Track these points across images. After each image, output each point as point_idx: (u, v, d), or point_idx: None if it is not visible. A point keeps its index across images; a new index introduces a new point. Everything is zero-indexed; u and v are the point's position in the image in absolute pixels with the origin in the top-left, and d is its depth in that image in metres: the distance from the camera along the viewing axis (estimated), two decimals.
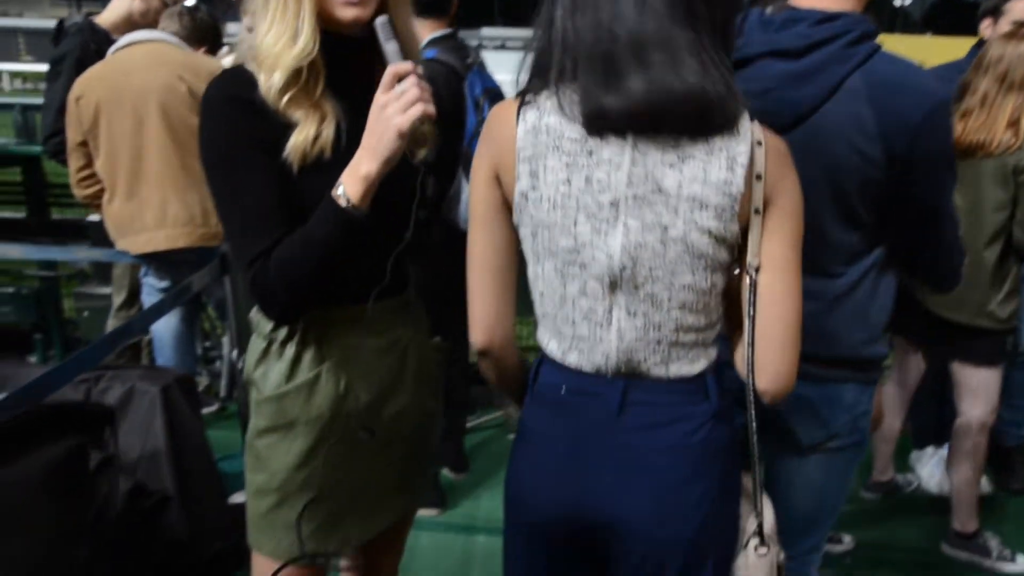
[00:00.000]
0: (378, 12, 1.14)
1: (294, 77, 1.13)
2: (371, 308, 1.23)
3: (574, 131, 1.02)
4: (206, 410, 3.11)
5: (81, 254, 2.99)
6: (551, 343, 1.14)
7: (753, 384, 1.09)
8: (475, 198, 1.13)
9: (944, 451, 2.74)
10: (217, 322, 3.68)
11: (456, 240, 2.44)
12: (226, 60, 3.07)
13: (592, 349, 1.09)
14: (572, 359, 1.11)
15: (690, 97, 0.96)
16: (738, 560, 1.15)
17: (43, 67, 3.40)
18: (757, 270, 1.05)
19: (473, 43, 3.81)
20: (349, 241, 1.11)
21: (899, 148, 1.20)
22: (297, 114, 1.14)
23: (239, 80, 1.16)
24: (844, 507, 1.52)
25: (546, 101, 1.04)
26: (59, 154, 2.84)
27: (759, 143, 1.01)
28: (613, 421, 1.10)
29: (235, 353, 2.64)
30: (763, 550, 1.12)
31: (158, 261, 2.70)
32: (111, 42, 2.75)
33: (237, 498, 2.39)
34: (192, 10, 2.94)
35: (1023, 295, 2.36)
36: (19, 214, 4.41)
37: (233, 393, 3.42)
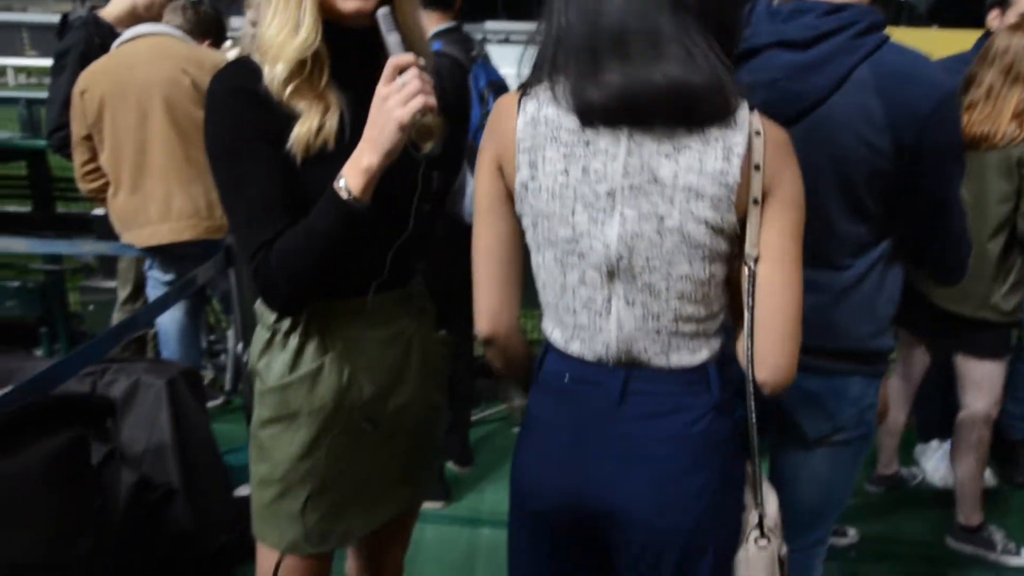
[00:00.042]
0: (382, 3, 1.14)
1: (297, 68, 1.13)
2: (371, 300, 1.24)
3: (571, 122, 1.03)
4: (211, 403, 3.12)
5: (86, 247, 3.00)
6: (555, 332, 1.15)
7: (753, 376, 1.09)
8: (479, 189, 1.14)
9: (949, 445, 2.73)
10: (222, 315, 3.68)
11: (460, 233, 2.44)
12: (230, 54, 3.07)
13: (593, 338, 1.10)
14: (574, 348, 1.13)
15: (671, 89, 0.97)
16: (739, 552, 1.15)
17: (48, 62, 3.40)
18: (756, 261, 1.05)
19: (477, 37, 3.80)
20: (350, 233, 1.12)
21: (907, 139, 1.19)
22: (301, 105, 1.14)
23: (244, 71, 1.16)
24: (849, 500, 1.52)
25: (544, 93, 1.05)
26: (64, 148, 2.84)
27: (757, 133, 1.00)
28: (614, 410, 1.11)
29: (240, 346, 2.65)
30: (763, 542, 1.12)
31: (163, 254, 2.71)
32: (115, 36, 2.75)
33: (242, 491, 2.40)
34: (196, 4, 2.94)
35: None
36: (24, 208, 4.43)
37: (238, 386, 3.43)
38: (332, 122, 1.15)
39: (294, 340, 1.25)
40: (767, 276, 1.05)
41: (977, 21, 3.22)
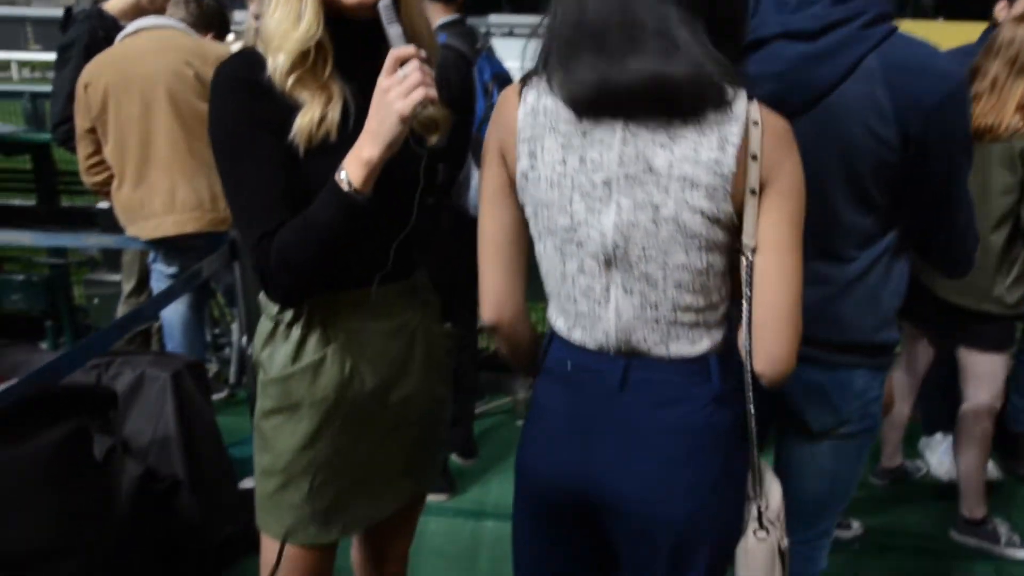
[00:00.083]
0: None
1: (300, 59, 1.13)
2: (375, 292, 1.24)
3: (568, 113, 1.04)
4: (216, 396, 3.12)
5: (90, 240, 3.00)
6: (558, 320, 1.17)
7: (751, 367, 1.09)
8: (485, 177, 1.16)
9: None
10: (226, 309, 3.69)
11: (465, 226, 2.45)
12: (233, 47, 3.07)
13: (593, 326, 1.11)
14: (576, 336, 1.14)
15: (646, 82, 0.97)
16: (740, 544, 1.15)
17: (51, 56, 3.40)
18: (754, 251, 1.04)
19: (481, 30, 3.79)
20: (351, 225, 1.12)
21: (914, 130, 1.19)
22: (303, 96, 1.14)
23: (248, 62, 1.16)
24: (853, 493, 1.52)
25: (543, 84, 1.07)
26: (68, 141, 2.85)
27: (755, 123, 1.00)
28: (615, 398, 1.11)
29: (244, 339, 2.65)
30: (762, 534, 1.12)
31: (167, 246, 2.71)
32: (119, 29, 2.76)
33: (247, 483, 2.41)
34: None
35: None
36: (29, 202, 4.43)
37: (243, 379, 3.43)
38: (334, 113, 1.15)
39: (296, 331, 1.25)
40: (765, 267, 1.04)
41: (983, 14, 3.21)
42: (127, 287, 3.39)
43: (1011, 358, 2.48)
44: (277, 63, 1.13)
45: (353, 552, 1.57)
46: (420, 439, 1.39)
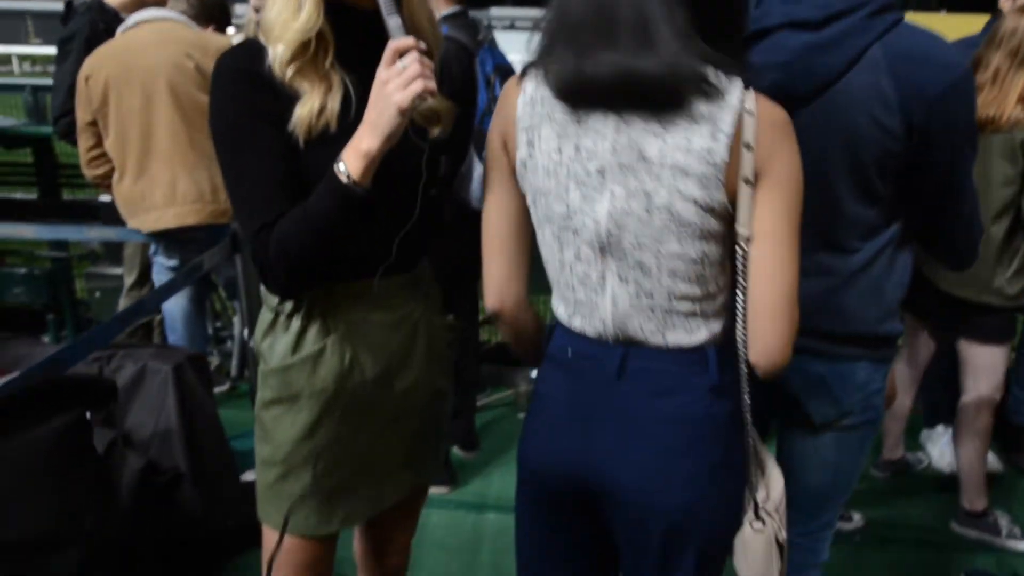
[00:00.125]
0: None
1: (301, 49, 1.13)
2: (377, 284, 1.24)
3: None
4: (217, 389, 3.13)
5: (92, 233, 3.00)
6: (559, 308, 1.18)
7: (746, 358, 1.09)
8: (488, 167, 1.18)
9: None
10: (227, 302, 3.69)
11: (467, 218, 2.44)
12: (234, 40, 3.06)
13: (591, 314, 1.12)
14: (576, 323, 1.15)
15: (616, 77, 0.99)
16: (738, 535, 1.16)
17: (52, 50, 3.39)
18: (748, 241, 1.04)
19: (483, 23, 3.78)
20: (349, 216, 1.11)
21: (918, 120, 1.18)
22: (303, 86, 1.14)
23: (249, 53, 1.16)
24: (855, 485, 1.52)
25: (540, 74, 1.08)
26: (69, 134, 2.84)
27: (749, 113, 0.99)
28: (613, 386, 1.12)
29: (246, 332, 2.65)
30: (759, 525, 1.13)
31: (167, 239, 2.71)
32: (120, 21, 2.75)
33: (249, 476, 2.41)
34: None
35: None
36: (31, 195, 4.43)
37: (244, 372, 3.44)
38: (334, 103, 1.15)
39: (297, 322, 1.25)
40: (760, 257, 1.04)
41: (986, 6, 3.19)
42: (129, 280, 3.39)
43: (1012, 350, 2.48)
44: (277, 53, 1.13)
45: (355, 543, 1.57)
46: (421, 431, 1.39)
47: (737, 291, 1.07)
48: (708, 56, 0.99)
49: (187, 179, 2.61)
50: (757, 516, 1.13)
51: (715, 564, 1.18)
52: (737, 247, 1.05)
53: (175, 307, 2.90)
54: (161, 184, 2.61)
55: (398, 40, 1.07)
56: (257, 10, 2.91)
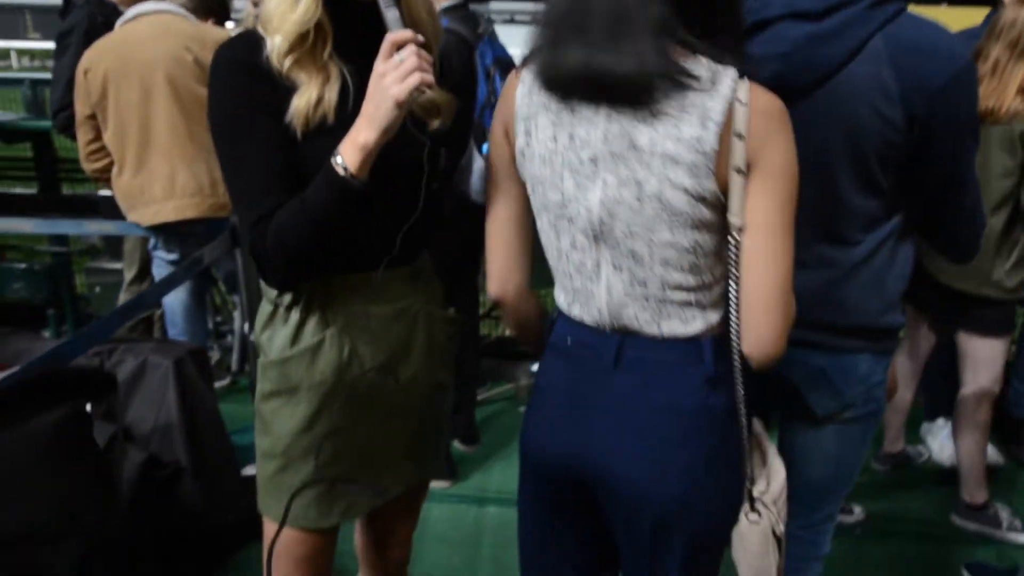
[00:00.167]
0: None
1: (298, 40, 1.12)
2: (378, 276, 1.24)
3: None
4: (218, 384, 3.13)
5: (91, 227, 3.00)
6: (560, 296, 1.19)
7: (739, 349, 1.08)
8: (491, 156, 1.20)
9: None
10: (227, 296, 3.69)
11: (467, 212, 2.44)
12: (233, 34, 3.05)
13: (588, 302, 1.13)
14: (576, 312, 1.16)
15: (578, 71, 1.01)
16: (736, 527, 1.16)
17: (51, 44, 3.38)
18: (740, 231, 1.03)
19: (483, 16, 3.77)
20: (346, 209, 1.11)
21: (920, 111, 1.18)
22: (301, 77, 1.14)
23: (247, 44, 1.16)
24: (856, 477, 1.52)
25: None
26: (68, 128, 2.84)
27: (741, 102, 0.99)
28: (609, 375, 1.13)
29: (246, 326, 2.65)
30: (754, 517, 1.12)
31: (167, 232, 2.71)
32: (118, 14, 2.74)
33: (250, 470, 2.41)
34: None
35: None
36: (30, 190, 4.43)
37: (245, 367, 3.44)
38: (332, 94, 1.15)
39: (295, 314, 1.25)
40: (752, 248, 1.04)
41: None
42: (129, 275, 3.39)
43: (1012, 343, 2.47)
44: (275, 44, 1.13)
45: (356, 536, 1.57)
46: (422, 425, 1.39)
47: (730, 282, 1.07)
48: (696, 47, 0.99)
49: (186, 172, 2.61)
50: (753, 508, 1.13)
51: (710, 556, 1.18)
52: (730, 237, 1.04)
53: (175, 301, 2.90)
54: (160, 177, 2.61)
55: (396, 33, 1.07)
56: (256, 4, 2.90)
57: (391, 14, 1.09)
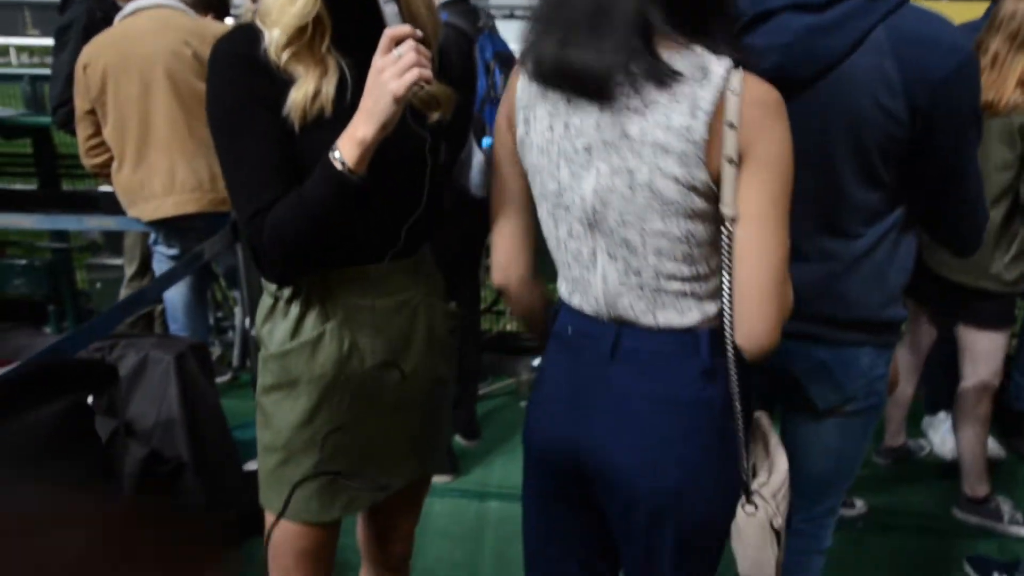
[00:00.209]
0: None
1: (296, 34, 1.12)
2: (380, 268, 1.24)
3: None
4: (219, 379, 3.13)
5: (92, 222, 3.00)
6: (562, 285, 1.20)
7: (732, 341, 1.08)
8: (495, 145, 1.21)
9: None
10: (228, 292, 3.69)
11: (467, 206, 2.44)
12: None
13: (586, 291, 1.14)
14: (575, 301, 1.17)
15: (551, 65, 1.05)
16: (735, 519, 1.15)
17: (50, 41, 3.37)
18: (733, 222, 1.03)
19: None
20: (344, 204, 1.11)
21: (922, 103, 1.17)
22: (298, 70, 1.14)
23: (245, 37, 1.16)
24: (858, 471, 1.52)
25: None
26: (68, 124, 2.84)
27: (733, 92, 0.98)
28: (606, 365, 1.13)
29: (247, 321, 2.65)
30: (750, 509, 1.12)
31: (167, 228, 2.71)
32: (117, 9, 2.74)
33: (252, 465, 2.41)
34: None
35: None
36: (30, 186, 4.42)
37: (246, 362, 3.44)
38: (329, 87, 1.14)
39: (296, 308, 1.25)
40: (745, 238, 1.03)
41: None
42: (129, 271, 3.39)
43: (1012, 336, 2.47)
44: (273, 38, 1.13)
45: (359, 530, 1.57)
46: (423, 419, 1.39)
47: (723, 273, 1.06)
48: (690, 39, 1.00)
49: (186, 167, 2.60)
50: (749, 500, 1.12)
51: (706, 549, 1.18)
52: (723, 228, 1.04)
53: (176, 296, 2.90)
54: (160, 173, 2.60)
55: (394, 28, 1.07)
56: (255, 0, 2.89)
57: (390, 9, 1.09)
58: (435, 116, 1.22)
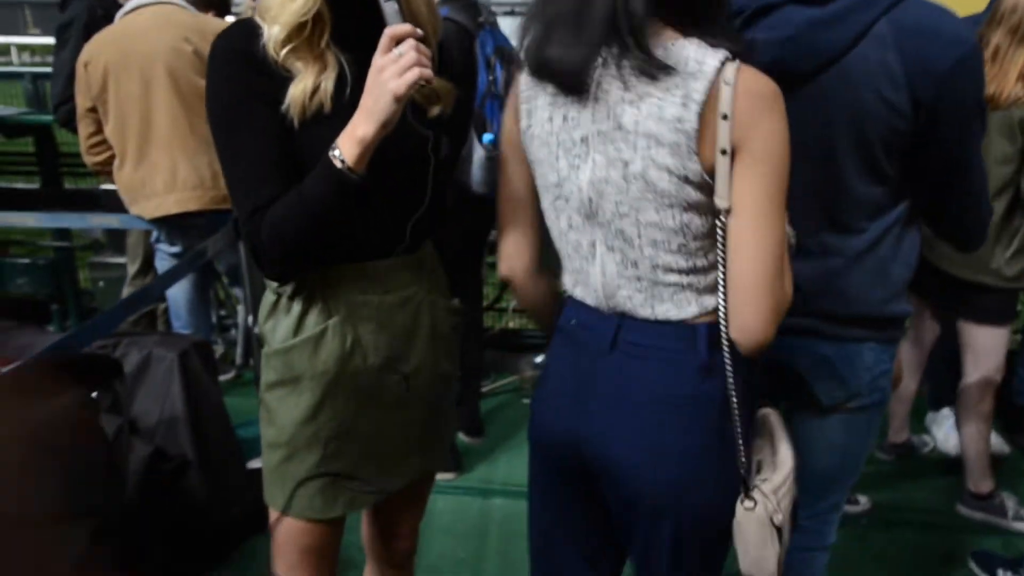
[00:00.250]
0: None
1: (296, 31, 1.12)
2: (383, 265, 1.24)
3: None
4: (222, 377, 3.13)
5: (94, 220, 3.00)
6: (566, 277, 1.21)
7: (727, 335, 1.07)
8: (502, 137, 1.22)
9: None
10: (230, 290, 3.69)
11: (468, 202, 2.44)
12: None
13: (586, 283, 1.15)
14: (579, 293, 1.18)
15: (531, 61, 1.08)
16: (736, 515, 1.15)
17: (51, 40, 3.37)
18: (727, 214, 1.02)
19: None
20: (344, 202, 1.11)
21: (925, 96, 1.17)
22: (297, 66, 1.14)
23: (244, 32, 1.15)
24: (862, 467, 1.51)
25: None
26: (70, 122, 2.83)
27: (726, 83, 0.98)
28: (607, 357, 1.13)
29: (250, 319, 2.65)
30: (749, 504, 1.11)
31: (169, 225, 2.70)
32: (118, 6, 2.73)
33: (255, 463, 2.42)
34: None
35: None
36: (32, 185, 4.42)
37: (249, 360, 3.44)
38: (328, 83, 1.14)
39: (298, 304, 1.25)
40: (738, 231, 1.03)
41: None
42: (132, 269, 3.39)
43: (1015, 332, 2.46)
44: (272, 34, 1.12)
45: (363, 528, 1.57)
46: (426, 416, 1.39)
47: (719, 265, 1.06)
48: (685, 31, 1.00)
49: (187, 165, 2.60)
50: (748, 496, 1.12)
51: (707, 546, 1.17)
52: (717, 220, 1.04)
53: (179, 294, 2.90)
54: (161, 170, 2.60)
55: (395, 27, 1.07)
56: None
57: (390, 7, 1.08)
58: (435, 111, 1.22)
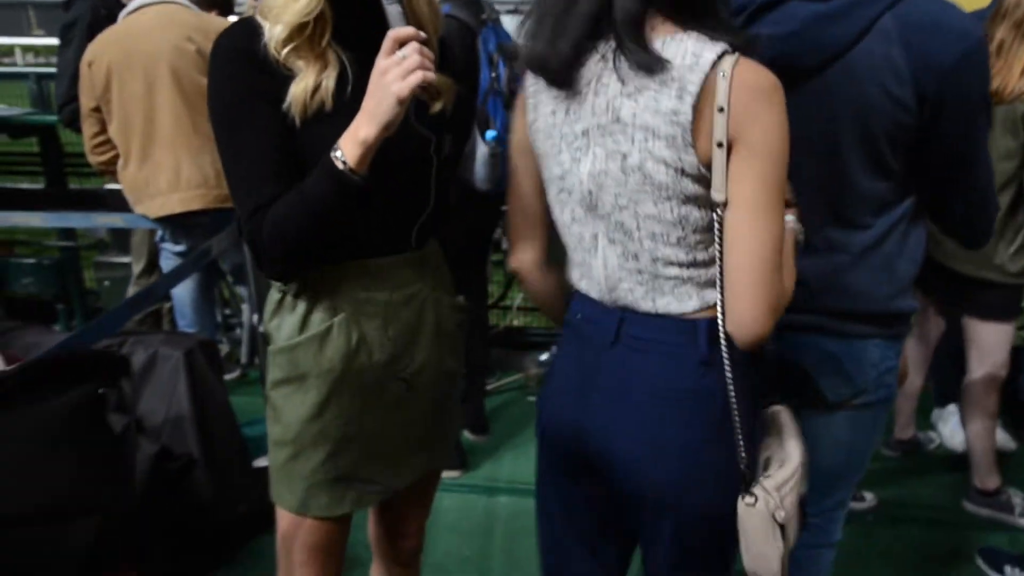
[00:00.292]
0: None
1: (297, 30, 1.12)
2: (387, 262, 1.25)
3: None
4: (228, 376, 3.14)
5: (99, 220, 3.01)
6: (572, 270, 1.21)
7: (724, 330, 1.07)
8: (513, 131, 1.24)
9: None
10: (234, 289, 3.69)
11: (471, 200, 2.44)
12: None
13: (590, 276, 1.16)
14: (583, 286, 1.18)
15: (525, 58, 1.10)
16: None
17: (54, 40, 3.38)
18: (724, 207, 1.02)
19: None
20: (346, 203, 1.11)
21: (930, 91, 1.16)
22: (298, 64, 1.14)
23: (246, 31, 1.16)
24: (868, 463, 1.51)
25: None
26: (74, 122, 2.84)
27: (723, 75, 0.98)
28: (610, 351, 1.14)
29: (255, 317, 2.66)
30: (749, 499, 1.11)
31: (173, 224, 2.71)
32: (121, 6, 2.73)
33: (261, 462, 2.42)
34: None
35: None
36: (37, 185, 4.43)
37: (254, 359, 3.45)
38: (329, 82, 1.14)
39: (303, 302, 1.26)
40: (735, 224, 1.02)
41: None
42: (137, 268, 3.40)
43: (1019, 328, 2.45)
44: (274, 33, 1.13)
45: (370, 526, 1.57)
46: (432, 413, 1.39)
47: (717, 259, 1.06)
48: (684, 25, 1.01)
49: (191, 164, 2.60)
50: (749, 491, 1.11)
51: (710, 541, 1.17)
52: (714, 213, 1.03)
53: (184, 293, 2.91)
54: (165, 169, 2.60)
55: (398, 29, 1.07)
56: None
57: (393, 9, 1.08)
58: (436, 107, 1.22)
